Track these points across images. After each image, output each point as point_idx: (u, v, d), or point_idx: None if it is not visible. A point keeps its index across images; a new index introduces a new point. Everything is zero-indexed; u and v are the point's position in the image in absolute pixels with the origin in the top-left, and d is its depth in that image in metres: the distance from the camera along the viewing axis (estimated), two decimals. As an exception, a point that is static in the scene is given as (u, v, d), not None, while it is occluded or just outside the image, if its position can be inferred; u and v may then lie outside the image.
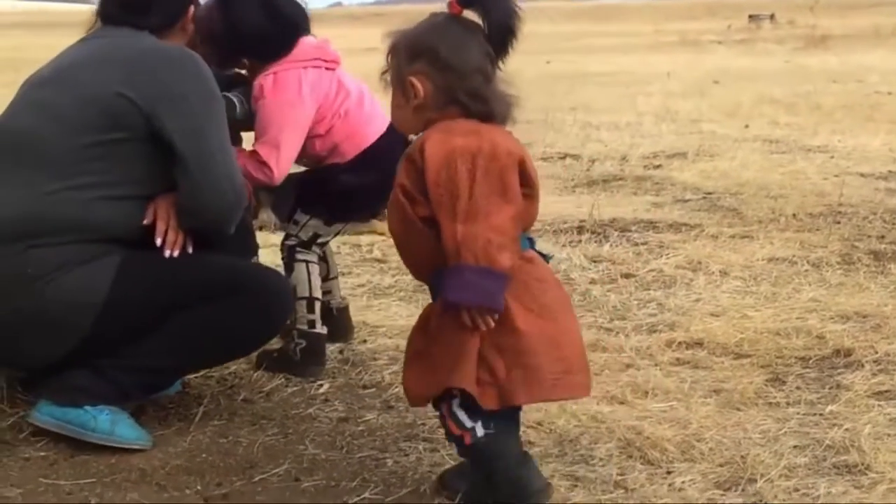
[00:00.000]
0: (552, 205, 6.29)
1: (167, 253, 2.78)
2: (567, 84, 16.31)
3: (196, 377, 3.23)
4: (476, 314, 2.21)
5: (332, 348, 3.51)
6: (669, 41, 33.32)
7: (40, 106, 2.78)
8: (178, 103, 2.73)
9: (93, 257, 2.72)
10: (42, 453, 2.73)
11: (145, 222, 2.78)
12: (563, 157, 8.39)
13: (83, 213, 2.70)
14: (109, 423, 2.73)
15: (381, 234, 5.45)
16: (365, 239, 5.26)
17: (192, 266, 2.82)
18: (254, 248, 3.36)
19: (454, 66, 2.30)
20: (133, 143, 2.72)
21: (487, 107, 2.31)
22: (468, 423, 2.31)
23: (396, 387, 3.17)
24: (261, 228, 5.25)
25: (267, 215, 5.34)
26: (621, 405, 3.04)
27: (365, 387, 3.20)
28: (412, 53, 2.33)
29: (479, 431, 2.30)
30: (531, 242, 2.45)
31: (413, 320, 3.74)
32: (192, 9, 3.00)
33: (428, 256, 2.32)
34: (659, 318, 3.90)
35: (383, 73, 2.41)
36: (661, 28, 42.41)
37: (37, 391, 2.85)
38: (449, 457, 2.69)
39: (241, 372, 3.31)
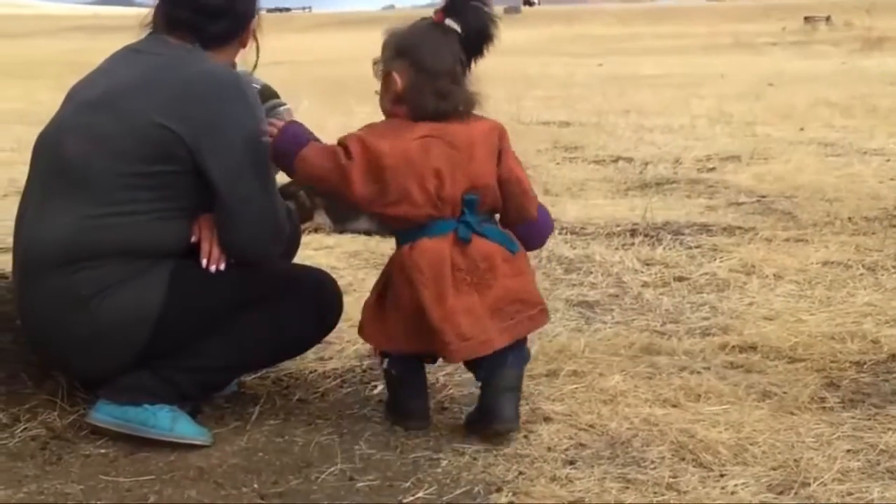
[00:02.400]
0: (605, 207, 6.29)
1: (212, 269, 2.82)
2: (619, 86, 16.24)
3: (252, 378, 3.27)
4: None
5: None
6: (723, 43, 33.03)
7: (88, 132, 2.77)
8: (219, 138, 2.73)
9: (143, 272, 2.76)
10: (102, 450, 2.79)
11: (193, 240, 2.83)
12: (616, 159, 8.36)
13: (130, 235, 2.74)
14: (170, 420, 2.77)
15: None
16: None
17: (242, 272, 2.86)
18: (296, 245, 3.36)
19: (428, 68, 2.73)
20: (180, 175, 2.75)
21: (448, 104, 2.75)
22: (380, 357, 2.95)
23: (450, 388, 3.20)
24: (316, 230, 5.31)
25: (322, 218, 5.40)
26: (674, 408, 3.03)
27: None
28: (397, 51, 2.78)
29: (385, 364, 2.93)
30: (466, 227, 2.75)
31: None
32: (254, 22, 2.99)
33: None
34: (712, 321, 3.89)
35: (375, 63, 2.85)
36: (715, 30, 42.05)
37: (96, 389, 2.90)
38: (503, 458, 2.71)
39: (296, 373, 3.34)
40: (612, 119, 11.28)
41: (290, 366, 3.38)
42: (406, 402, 2.96)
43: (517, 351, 2.83)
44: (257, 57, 3.07)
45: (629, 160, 8.28)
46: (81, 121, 2.81)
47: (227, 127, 2.74)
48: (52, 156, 2.83)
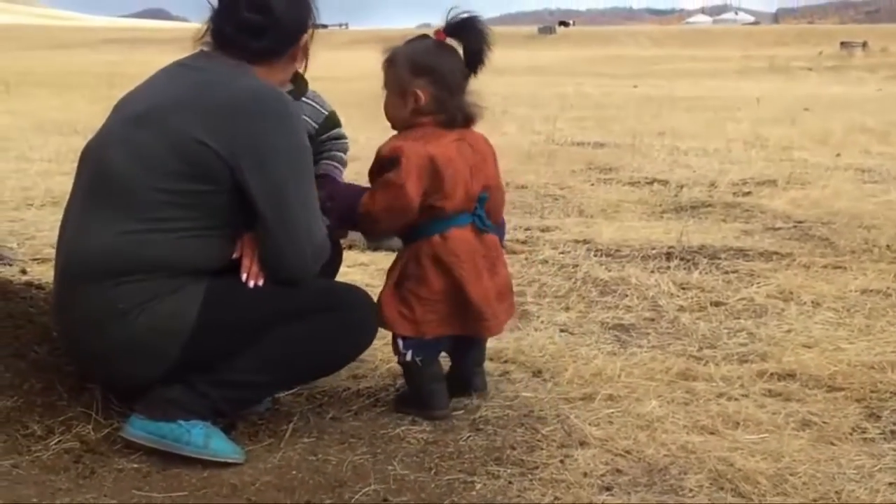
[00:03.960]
0: (640, 230, 6.24)
1: (250, 284, 2.81)
2: (654, 108, 16.20)
3: (286, 394, 3.26)
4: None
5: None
6: (759, 67, 32.90)
7: (131, 147, 2.76)
8: (260, 158, 2.72)
9: (179, 288, 2.75)
10: (135, 465, 2.77)
11: (234, 256, 2.83)
12: (651, 182, 8.32)
13: (171, 251, 2.74)
14: (203, 437, 2.76)
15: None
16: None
17: (277, 290, 2.84)
18: (337, 263, 3.36)
19: (448, 85, 3.05)
20: (221, 193, 2.74)
21: (467, 115, 3.10)
22: (401, 349, 3.12)
23: (486, 409, 3.17)
24: (350, 247, 5.30)
25: (356, 235, 5.38)
26: (712, 435, 2.99)
27: (453, 409, 3.19)
28: (415, 70, 3.05)
29: (409, 356, 3.11)
30: (480, 220, 3.11)
31: (501, 343, 3.78)
32: (303, 38, 2.97)
33: None
34: (750, 347, 3.84)
35: (384, 86, 3.13)
36: (751, 53, 41.91)
37: (131, 402, 2.89)
38: (538, 482, 2.67)
39: (330, 390, 3.32)
40: (646, 141, 11.24)
41: (324, 383, 3.36)
42: (430, 390, 3.14)
43: None
44: (304, 72, 3.06)
45: (664, 182, 8.24)
46: (125, 135, 2.81)
47: (268, 146, 2.73)
48: (95, 168, 2.83)
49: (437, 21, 3.18)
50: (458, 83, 3.09)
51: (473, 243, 3.08)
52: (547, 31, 71.79)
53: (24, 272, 4.76)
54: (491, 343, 3.80)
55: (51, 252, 5.42)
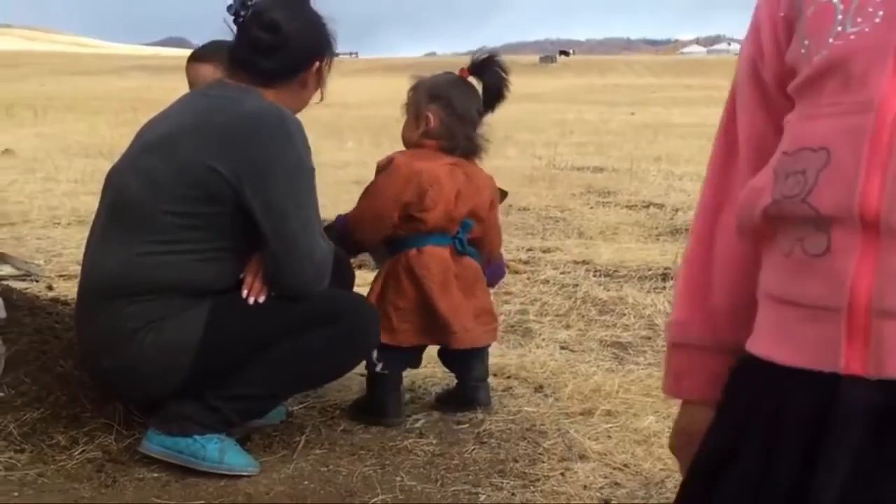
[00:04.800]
0: (637, 251, 6.24)
1: (250, 300, 2.80)
2: (651, 134, 16.22)
3: (299, 408, 3.26)
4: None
5: (427, 384, 3.50)
6: (750, 95, 32.87)
7: (144, 173, 2.77)
8: (260, 178, 2.70)
9: (186, 308, 2.75)
10: (155, 474, 2.77)
11: (242, 276, 2.83)
12: (647, 205, 8.32)
13: (183, 272, 2.74)
14: (218, 451, 2.75)
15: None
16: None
17: (278, 305, 2.83)
18: (350, 277, 3.35)
19: (458, 113, 3.15)
20: (228, 215, 2.73)
21: (471, 144, 3.19)
22: (375, 359, 3.14)
23: (490, 423, 3.16)
24: (359, 266, 5.29)
25: (364, 255, 5.38)
26: (706, 450, 2.98)
27: (458, 422, 3.19)
28: (431, 96, 3.16)
29: (379, 368, 3.15)
30: (460, 244, 3.18)
31: (505, 359, 3.77)
32: (317, 65, 2.93)
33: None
34: (742, 365, 3.82)
35: (405, 105, 3.24)
36: (743, 82, 41.89)
37: (150, 415, 2.89)
38: (540, 494, 2.67)
39: (341, 403, 3.32)
40: (643, 166, 11.25)
41: (335, 397, 3.37)
42: (385, 399, 3.18)
43: (482, 348, 3.28)
44: (320, 101, 3.05)
45: (660, 206, 8.24)
46: (140, 161, 2.82)
47: (270, 167, 2.71)
48: (114, 193, 2.84)
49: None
50: (470, 116, 3.18)
51: (448, 261, 3.15)
52: (548, 60, 71.99)
53: (50, 288, 4.77)
54: (494, 359, 3.80)
55: (76, 269, 5.43)
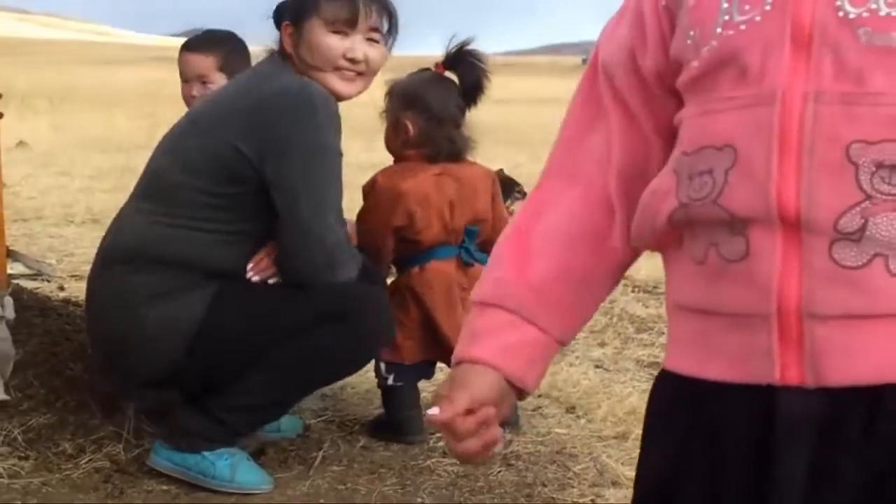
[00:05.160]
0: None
1: (250, 275, 2.81)
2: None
3: (316, 421, 3.27)
4: None
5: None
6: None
7: (176, 147, 2.86)
8: (278, 158, 2.72)
9: (192, 287, 2.77)
10: (164, 487, 2.79)
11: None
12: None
13: (195, 251, 2.77)
14: (229, 468, 2.76)
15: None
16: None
17: (288, 295, 2.82)
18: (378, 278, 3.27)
19: (437, 116, 3.08)
20: (251, 196, 2.75)
21: (454, 146, 3.13)
22: (384, 373, 3.15)
23: (518, 444, 3.15)
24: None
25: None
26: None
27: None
28: (406, 101, 3.11)
29: (390, 381, 3.15)
30: (467, 253, 3.17)
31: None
32: (289, 30, 2.87)
33: None
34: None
35: (381, 113, 3.20)
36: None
37: (157, 430, 2.92)
38: (568, 522, 2.66)
39: (360, 418, 3.33)
40: (688, 176, 11.20)
41: (355, 411, 3.38)
42: (405, 417, 3.16)
43: None
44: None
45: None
46: (176, 138, 2.90)
47: (290, 148, 2.72)
48: (151, 166, 2.92)
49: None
50: (450, 116, 3.13)
51: (452, 276, 3.13)
52: (592, 59, 71.87)
53: (61, 288, 4.82)
54: (525, 377, 3.80)
55: (88, 269, 5.49)
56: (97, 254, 2.93)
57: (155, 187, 2.86)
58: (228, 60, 3.53)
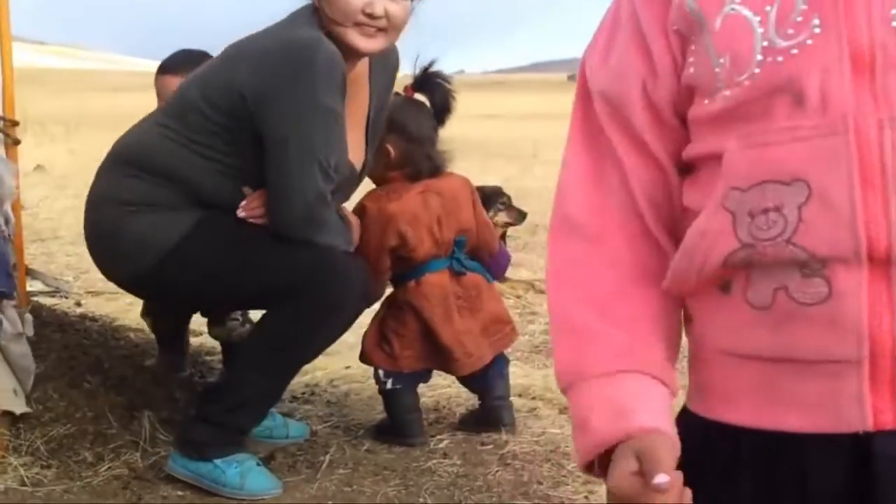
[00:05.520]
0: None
1: (239, 212, 2.79)
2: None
3: (323, 426, 3.27)
4: None
5: (452, 404, 3.50)
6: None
7: (201, 77, 2.87)
8: (270, 109, 2.69)
9: (178, 206, 2.78)
10: (180, 492, 2.79)
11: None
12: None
13: (192, 172, 2.79)
14: (239, 476, 2.76)
15: (500, 294, 5.45)
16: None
17: (263, 248, 2.79)
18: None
19: (416, 139, 3.11)
20: (247, 132, 2.74)
21: (433, 164, 3.15)
22: (382, 377, 3.17)
23: (514, 444, 3.15)
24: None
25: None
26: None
27: (483, 443, 3.18)
28: (385, 126, 3.08)
29: (389, 384, 3.15)
30: (458, 263, 3.18)
31: (530, 380, 3.77)
32: None
33: None
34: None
35: None
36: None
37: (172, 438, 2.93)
38: (563, 518, 2.66)
39: (366, 423, 3.33)
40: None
41: (359, 416, 3.38)
42: (407, 420, 3.18)
43: (500, 363, 3.28)
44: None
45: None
46: (204, 71, 2.91)
47: (281, 100, 2.68)
48: (179, 90, 2.95)
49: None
50: (426, 135, 3.16)
51: (447, 287, 3.14)
52: (576, 78, 71.84)
53: (78, 304, 4.81)
54: (519, 380, 3.79)
55: (104, 286, 5.46)
56: (111, 148, 2.98)
57: (175, 106, 2.88)
58: None
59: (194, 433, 2.81)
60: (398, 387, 3.17)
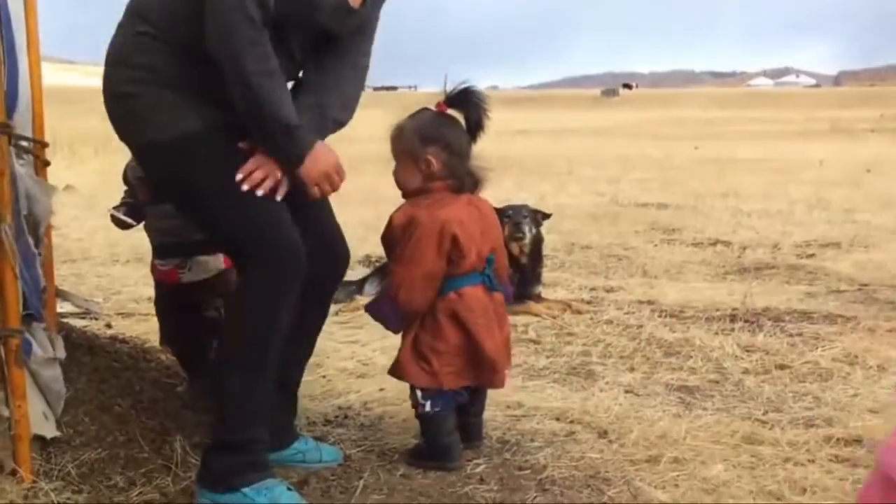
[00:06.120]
0: (703, 291, 6.17)
1: (244, 186, 2.74)
2: (716, 170, 16.08)
3: (357, 451, 3.25)
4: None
5: (488, 428, 3.48)
6: (821, 129, 32.54)
7: None
8: None
9: (182, 104, 2.77)
10: (212, 517, 2.78)
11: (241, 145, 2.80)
12: (714, 243, 8.24)
13: (161, 60, 2.79)
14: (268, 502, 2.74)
15: (536, 315, 5.43)
16: (520, 320, 5.24)
17: (233, 202, 2.76)
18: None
19: (457, 152, 3.15)
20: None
21: (474, 179, 3.20)
22: (420, 400, 3.19)
23: (552, 469, 3.12)
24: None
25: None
26: (778, 501, 2.92)
27: (520, 468, 3.16)
28: (425, 138, 3.14)
29: (427, 407, 3.18)
30: (489, 280, 3.22)
31: (567, 403, 3.74)
32: None
33: None
34: (816, 412, 3.74)
35: (401, 152, 3.20)
36: (813, 116, 41.48)
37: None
38: (604, 545, 2.63)
39: (400, 447, 3.31)
40: (709, 202, 11.15)
41: (394, 440, 3.36)
42: (446, 443, 3.19)
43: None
44: None
45: (727, 244, 8.15)
46: None
47: None
48: None
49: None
50: (465, 150, 3.19)
51: (485, 300, 3.21)
52: (610, 93, 71.90)
53: (109, 326, 4.84)
54: (556, 403, 3.78)
55: (135, 307, 5.52)
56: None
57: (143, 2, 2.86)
58: None
59: (212, 463, 2.78)
60: (437, 409, 3.18)
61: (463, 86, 3.18)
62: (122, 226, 3.75)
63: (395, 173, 3.24)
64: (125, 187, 3.82)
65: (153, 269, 3.73)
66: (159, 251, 3.68)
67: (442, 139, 3.15)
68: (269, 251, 2.73)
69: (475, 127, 3.19)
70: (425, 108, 3.24)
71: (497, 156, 3.22)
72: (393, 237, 3.18)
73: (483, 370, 3.18)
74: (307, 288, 2.81)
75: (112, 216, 3.77)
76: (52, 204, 3.05)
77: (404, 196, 3.25)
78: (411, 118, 3.23)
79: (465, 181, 3.19)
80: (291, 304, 2.79)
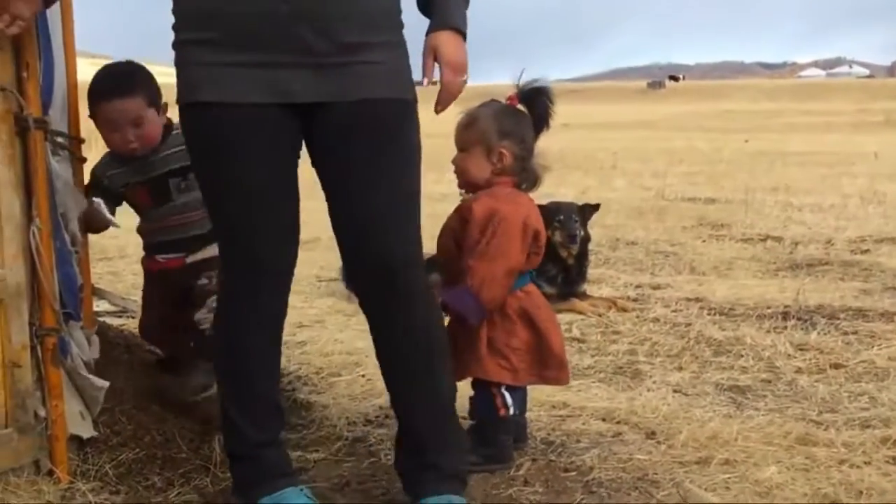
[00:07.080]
0: (754, 288, 6.12)
1: None
2: (767, 163, 15.95)
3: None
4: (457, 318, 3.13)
5: (532, 429, 3.47)
6: (875, 120, 32.18)
7: None
8: None
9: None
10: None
11: None
12: (764, 238, 8.16)
13: None
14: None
15: (581, 313, 5.41)
16: (565, 318, 5.22)
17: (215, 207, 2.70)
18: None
19: (529, 148, 3.18)
20: None
21: (535, 176, 3.22)
22: (509, 402, 3.17)
23: (599, 470, 3.10)
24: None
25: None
26: (834, 504, 2.88)
27: (566, 469, 3.14)
28: (502, 131, 3.15)
29: (512, 410, 3.18)
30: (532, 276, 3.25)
31: (614, 403, 3.73)
32: None
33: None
34: (872, 412, 3.69)
35: (476, 139, 3.17)
36: (866, 107, 41.02)
37: None
38: (653, 549, 2.61)
39: (442, 448, 3.30)
40: (759, 196, 11.05)
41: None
42: (503, 439, 3.20)
43: None
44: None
45: (778, 239, 8.07)
46: None
47: None
48: None
49: (550, 77, 3.25)
50: (532, 147, 3.21)
51: (543, 297, 3.27)
52: (656, 85, 71.53)
53: (145, 325, 4.87)
54: (603, 403, 3.76)
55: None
56: None
57: None
58: (151, 91, 3.47)
59: (231, 473, 2.77)
60: (517, 412, 3.22)
61: (536, 83, 3.21)
62: (103, 225, 3.51)
63: (461, 162, 3.22)
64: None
65: (151, 263, 3.67)
66: (161, 247, 3.62)
67: (518, 133, 3.17)
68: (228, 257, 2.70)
69: (540, 125, 3.21)
70: (494, 100, 3.26)
71: (539, 150, 3.20)
72: (470, 230, 3.10)
73: (550, 367, 3.18)
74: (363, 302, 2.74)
75: (95, 209, 3.47)
76: (82, 200, 3.04)
77: (464, 187, 3.24)
78: (485, 107, 3.23)
79: (529, 178, 3.22)
80: (252, 307, 2.68)
